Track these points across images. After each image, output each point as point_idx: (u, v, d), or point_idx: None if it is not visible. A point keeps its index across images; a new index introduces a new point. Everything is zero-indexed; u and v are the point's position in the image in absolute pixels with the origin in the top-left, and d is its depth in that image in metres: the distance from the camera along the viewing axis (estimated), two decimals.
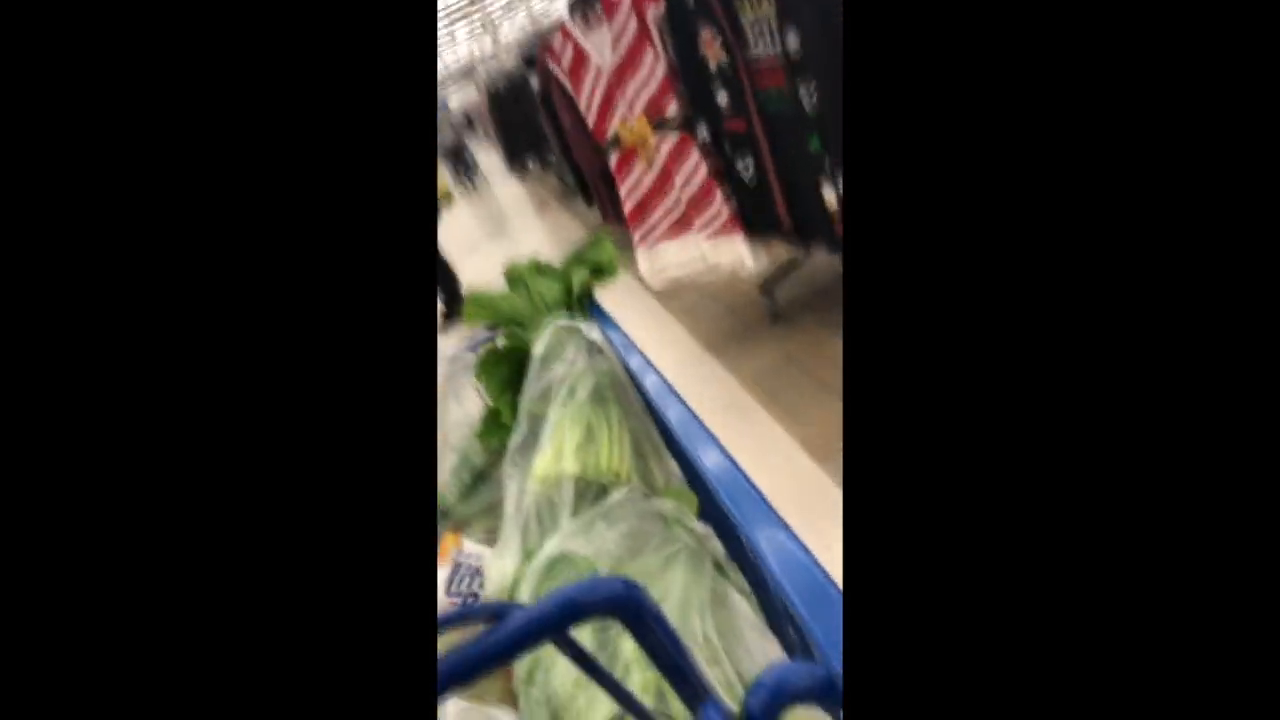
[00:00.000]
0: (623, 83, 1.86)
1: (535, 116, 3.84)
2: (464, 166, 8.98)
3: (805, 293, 2.27)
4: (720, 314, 2.39)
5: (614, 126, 1.99)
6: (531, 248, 1.00)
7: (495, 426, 0.88)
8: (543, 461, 0.77)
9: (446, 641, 0.18)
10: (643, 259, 2.13)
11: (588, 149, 2.87)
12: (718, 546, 0.70)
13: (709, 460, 0.38)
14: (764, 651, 0.60)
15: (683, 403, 0.48)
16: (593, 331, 0.86)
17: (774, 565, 0.28)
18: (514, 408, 0.88)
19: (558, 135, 3.34)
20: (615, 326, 0.79)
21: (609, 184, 2.79)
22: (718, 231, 1.86)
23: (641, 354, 0.64)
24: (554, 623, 0.18)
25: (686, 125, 1.78)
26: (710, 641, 0.59)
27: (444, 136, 8.80)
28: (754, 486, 0.34)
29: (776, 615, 0.61)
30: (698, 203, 1.85)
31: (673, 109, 1.78)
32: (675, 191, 1.92)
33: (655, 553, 0.66)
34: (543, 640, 0.18)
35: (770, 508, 0.32)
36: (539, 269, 0.98)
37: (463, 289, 3.02)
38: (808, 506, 1.34)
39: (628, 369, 0.72)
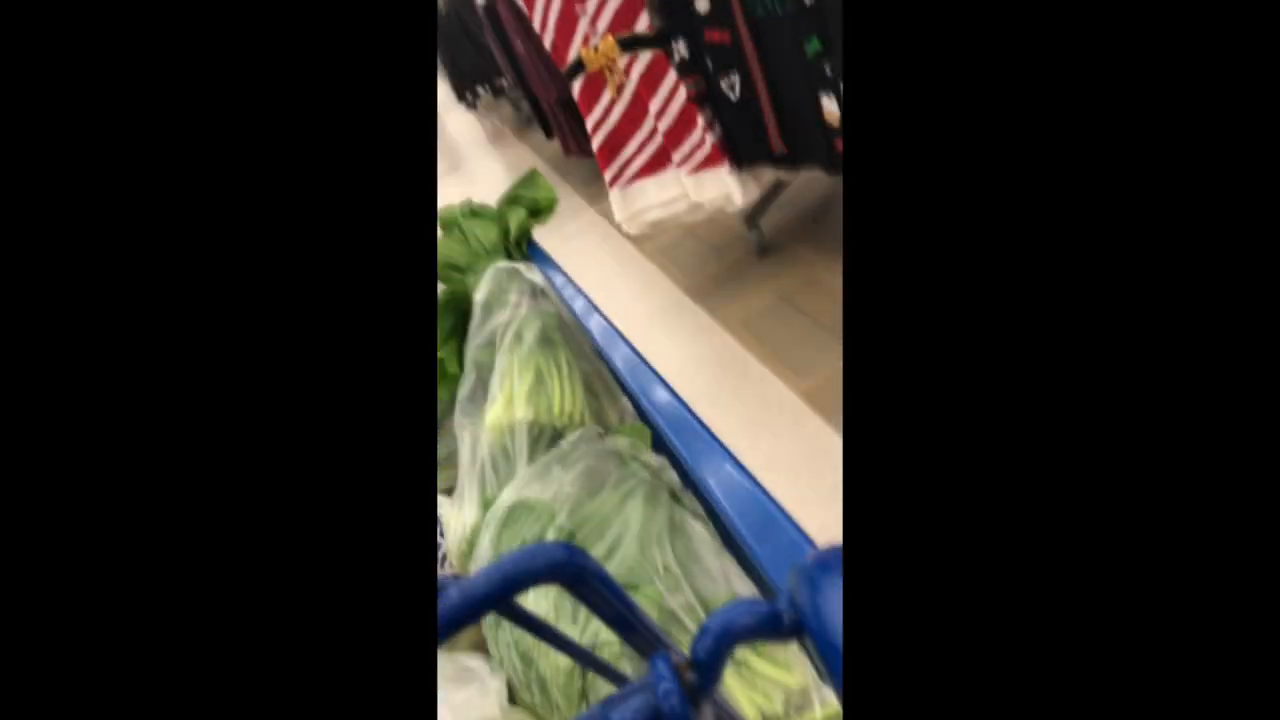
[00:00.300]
0: None
1: (480, 38, 3.50)
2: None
3: (793, 219, 2.03)
4: (702, 252, 2.13)
5: (575, 48, 1.66)
6: (489, 185, 0.92)
7: (442, 377, 0.87)
8: (494, 410, 0.77)
9: None
10: (616, 201, 1.81)
11: (544, 74, 2.62)
12: (673, 476, 0.72)
13: (658, 398, 0.38)
14: (724, 573, 0.62)
15: (628, 344, 0.48)
16: (533, 273, 0.84)
17: (721, 498, 0.28)
18: (460, 356, 0.86)
19: (508, 59, 3.03)
20: (555, 267, 0.77)
21: (570, 113, 2.55)
22: (701, 164, 1.59)
23: (585, 295, 0.63)
24: (495, 595, 0.18)
25: (660, 42, 1.50)
26: (670, 570, 0.61)
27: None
28: (700, 421, 0.35)
29: (732, 539, 0.64)
30: (676, 132, 1.57)
31: (643, 23, 1.49)
32: (650, 121, 1.62)
33: (612, 490, 0.67)
34: (485, 612, 0.18)
35: (714, 438, 0.33)
36: (474, 211, 0.94)
37: None
38: (817, 473, 1.23)
39: (573, 312, 0.71)
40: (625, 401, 0.88)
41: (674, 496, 0.69)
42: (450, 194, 0.99)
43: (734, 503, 0.27)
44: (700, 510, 0.69)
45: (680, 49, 1.49)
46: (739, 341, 1.71)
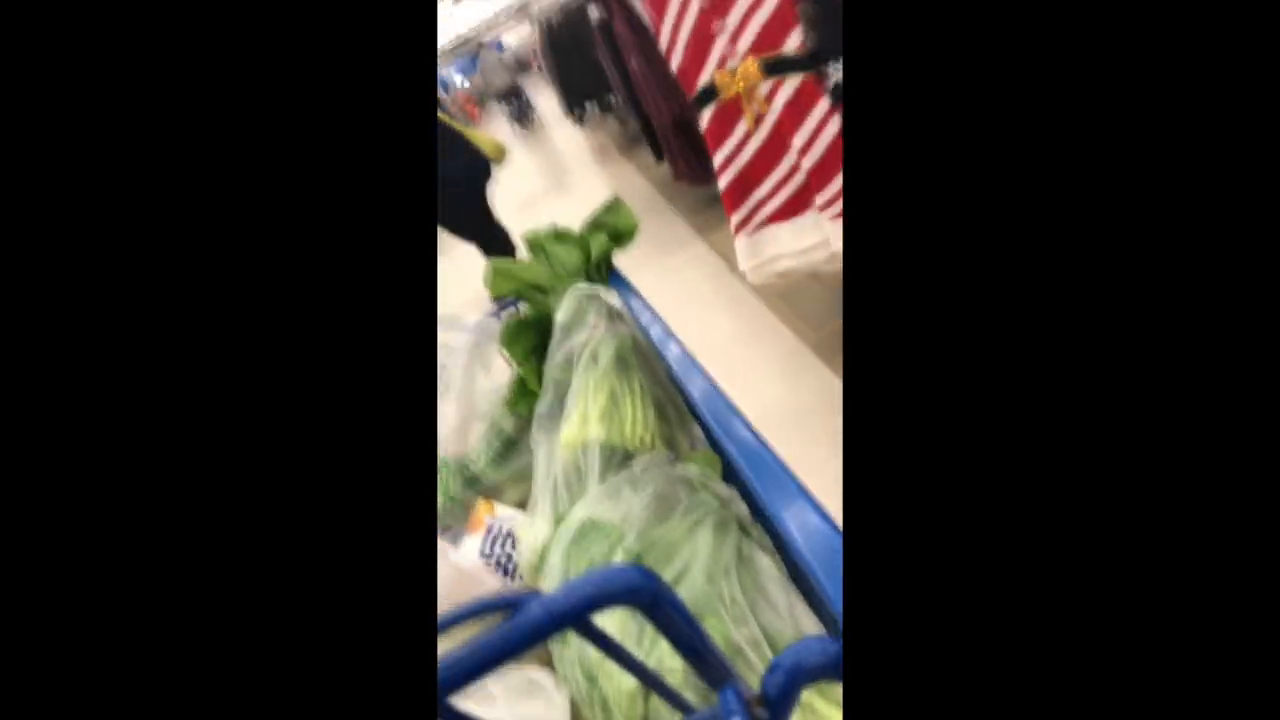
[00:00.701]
0: (723, 9, 1.28)
1: (592, 53, 3.47)
2: (519, 111, 8.79)
3: None
4: (830, 302, 1.82)
5: (708, 71, 1.38)
6: (593, 202, 0.87)
7: (523, 393, 0.90)
8: (569, 428, 0.79)
9: (462, 636, 0.19)
10: (743, 250, 1.54)
11: (658, 94, 2.52)
12: (742, 508, 0.71)
13: (733, 432, 0.39)
14: (789, 608, 0.61)
15: (704, 375, 0.48)
16: (612, 298, 0.86)
17: (796, 536, 0.28)
18: (539, 375, 0.89)
19: (621, 76, 2.91)
20: (634, 293, 0.79)
21: (685, 136, 2.49)
22: None
23: (662, 321, 0.64)
24: (572, 615, 0.19)
25: (813, 64, 1.23)
26: (736, 603, 0.60)
27: (499, 79, 8.60)
28: (775, 456, 0.35)
29: (801, 575, 0.62)
30: (824, 170, 1.29)
31: (794, 42, 1.21)
32: (791, 157, 1.36)
33: (681, 518, 0.67)
34: (564, 628, 0.19)
35: (791, 476, 0.32)
36: (558, 236, 0.98)
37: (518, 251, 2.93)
38: None
39: (649, 338, 0.72)
40: (696, 429, 0.88)
41: (742, 528, 0.69)
42: (555, 210, 1.02)
43: (807, 539, 0.27)
44: (768, 544, 0.68)
45: (836, 73, 1.23)
46: None
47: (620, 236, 0.91)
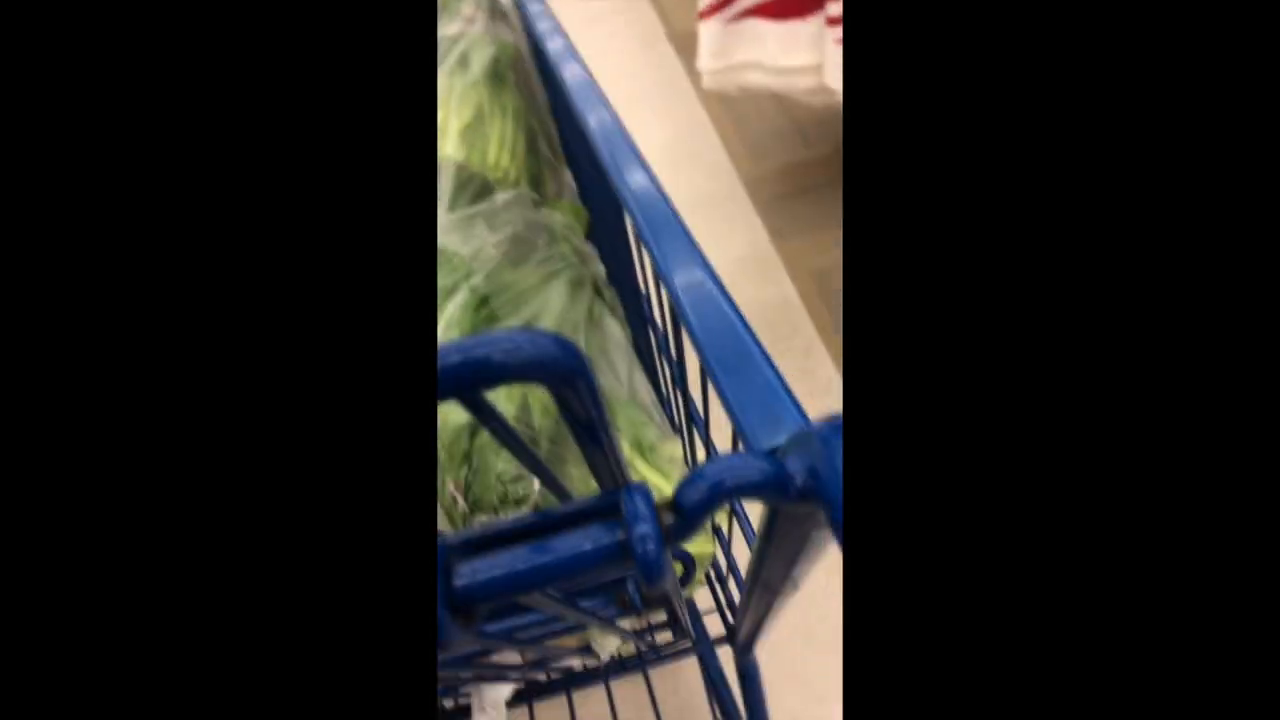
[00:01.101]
0: None
1: None
2: None
3: None
4: (789, 139, 1.42)
5: None
6: None
7: None
8: None
9: None
10: (709, 41, 1.11)
11: None
12: (600, 269, 0.68)
13: (632, 179, 0.33)
14: (629, 379, 0.62)
15: (606, 106, 0.41)
16: None
17: (688, 309, 0.25)
18: None
19: None
20: None
21: None
22: None
23: (565, 36, 0.52)
24: (466, 384, 0.14)
25: None
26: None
27: None
28: (674, 210, 0.30)
29: (654, 347, 0.62)
30: None
31: None
32: None
33: (536, 266, 0.62)
34: (445, 398, 0.14)
35: (688, 234, 0.29)
36: None
37: None
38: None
39: (540, 49, 0.60)
40: (566, 175, 0.80)
41: (597, 289, 0.66)
42: None
43: (702, 320, 0.24)
44: (620, 311, 0.66)
45: None
46: (802, 302, 1.12)
47: None
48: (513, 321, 0.58)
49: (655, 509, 0.15)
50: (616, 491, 0.16)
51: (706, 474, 0.15)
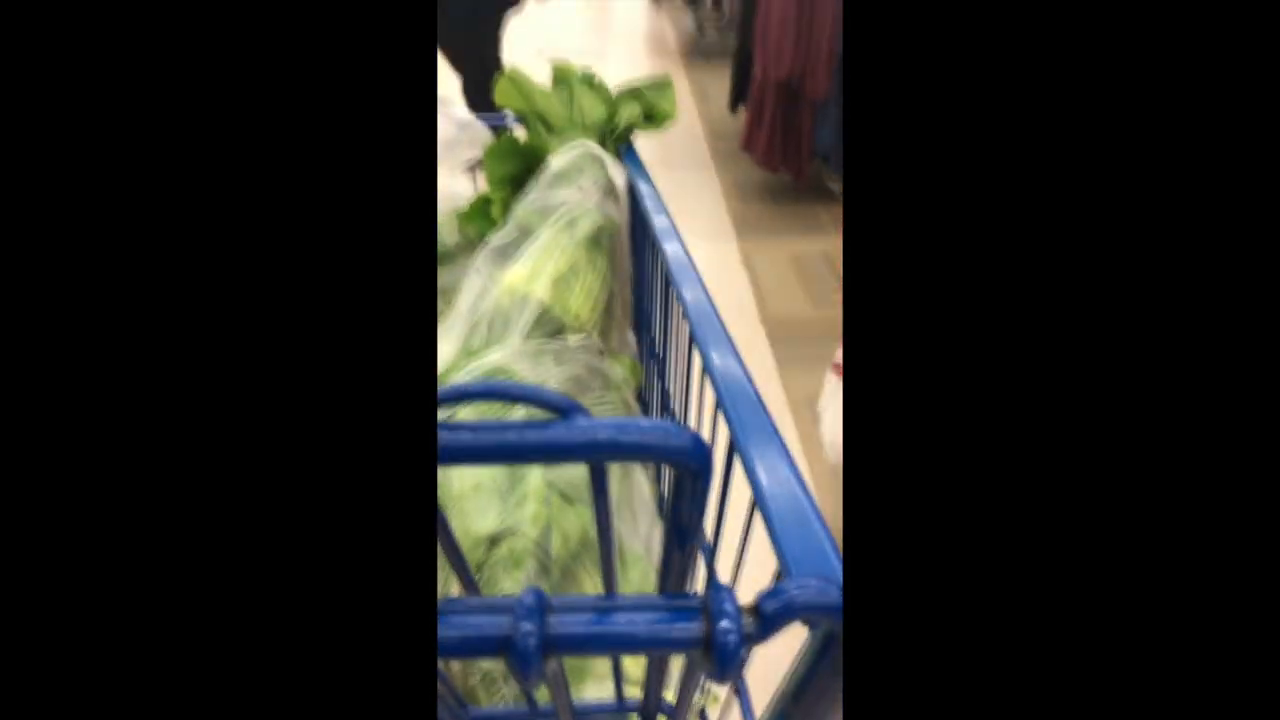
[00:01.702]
0: None
1: None
2: None
3: None
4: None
5: None
6: (623, 74, 0.79)
7: (482, 215, 0.84)
8: (518, 274, 0.74)
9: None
10: (832, 392, 1.27)
11: (788, 36, 1.93)
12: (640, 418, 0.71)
13: (717, 358, 0.37)
14: (647, 536, 0.63)
15: (701, 285, 0.46)
16: (618, 174, 0.81)
17: (763, 480, 0.27)
18: (507, 206, 0.83)
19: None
20: (646, 179, 0.74)
21: (788, 107, 1.96)
22: None
23: (669, 218, 0.61)
24: (613, 451, 0.17)
25: None
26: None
27: None
28: (759, 400, 0.34)
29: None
30: None
31: None
32: None
33: (590, 406, 0.66)
34: (584, 460, 0.17)
35: (768, 417, 0.32)
36: (589, 82, 0.90)
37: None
38: None
39: (649, 228, 0.68)
40: (632, 337, 0.86)
41: None
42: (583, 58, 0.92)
43: (774, 494, 0.27)
44: (652, 468, 0.69)
45: None
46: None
47: (654, 117, 0.85)
48: None
49: (740, 610, 0.17)
50: (689, 595, 0.18)
51: (787, 588, 0.17)
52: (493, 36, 2.04)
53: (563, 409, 0.18)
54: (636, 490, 0.65)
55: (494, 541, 0.53)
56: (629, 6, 5.54)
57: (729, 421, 0.32)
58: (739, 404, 0.33)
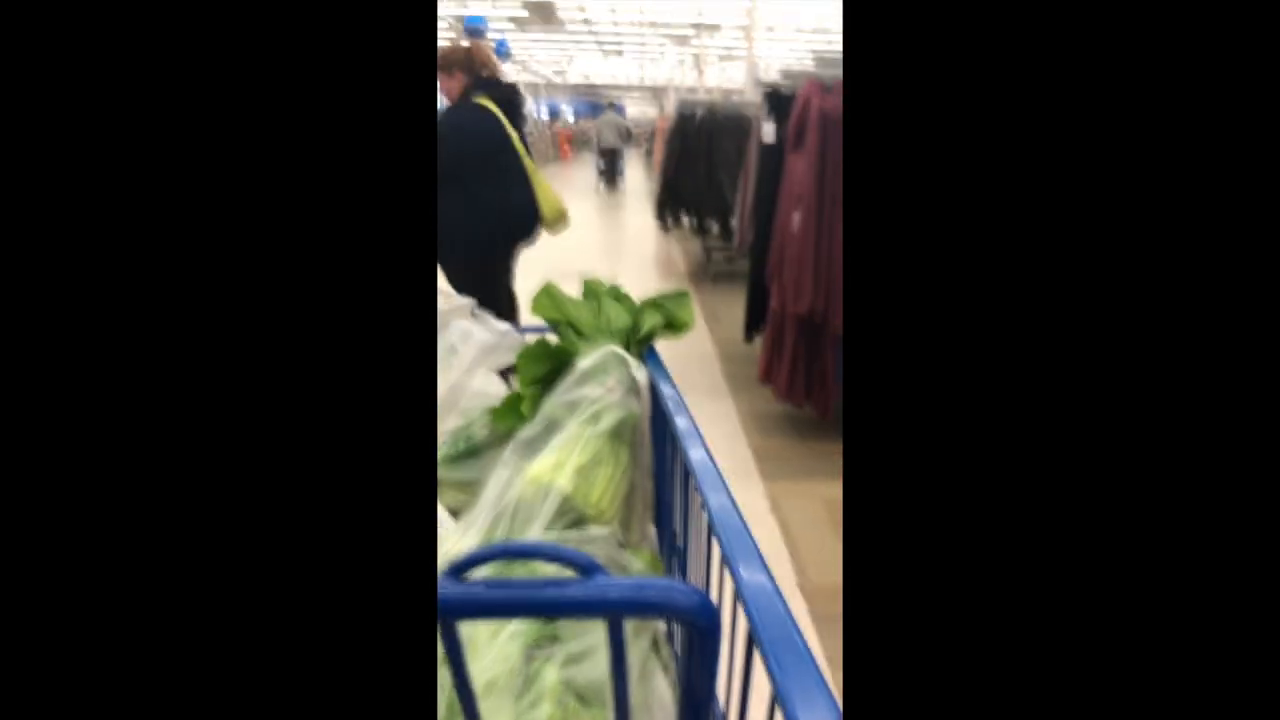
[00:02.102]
0: None
1: (719, 168, 3.23)
2: (610, 172, 9.16)
3: None
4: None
5: None
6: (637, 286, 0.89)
7: (512, 412, 0.89)
8: (542, 466, 0.77)
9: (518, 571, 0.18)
10: None
11: (807, 271, 1.85)
12: (662, 626, 0.69)
13: (747, 574, 0.34)
14: None
15: (726, 491, 0.48)
16: (640, 373, 0.87)
17: (791, 689, 0.25)
18: (536, 404, 0.88)
19: (764, 219, 2.18)
20: (669, 381, 0.80)
21: (809, 343, 1.88)
22: None
23: (690, 418, 0.65)
24: (628, 608, 0.18)
25: None
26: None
27: (608, 137, 8.95)
28: (790, 615, 0.31)
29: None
30: None
31: None
32: None
33: None
34: (601, 616, 0.18)
35: (798, 634, 0.28)
36: (618, 295, 1.00)
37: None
38: None
39: (667, 422, 0.72)
40: (652, 529, 0.87)
41: (655, 644, 0.67)
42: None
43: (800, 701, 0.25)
44: (672, 671, 0.66)
45: None
46: None
47: (674, 326, 0.93)
48: (572, 645, 0.59)
49: None
50: None
51: None
52: (506, 266, 2.16)
53: (583, 567, 0.19)
54: (654, 693, 0.62)
55: (531, 682, 0.51)
56: (639, 234, 6.00)
57: (764, 653, 0.27)
58: (774, 634, 0.28)
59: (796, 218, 1.91)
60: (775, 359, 1.99)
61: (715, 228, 4.15)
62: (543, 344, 0.93)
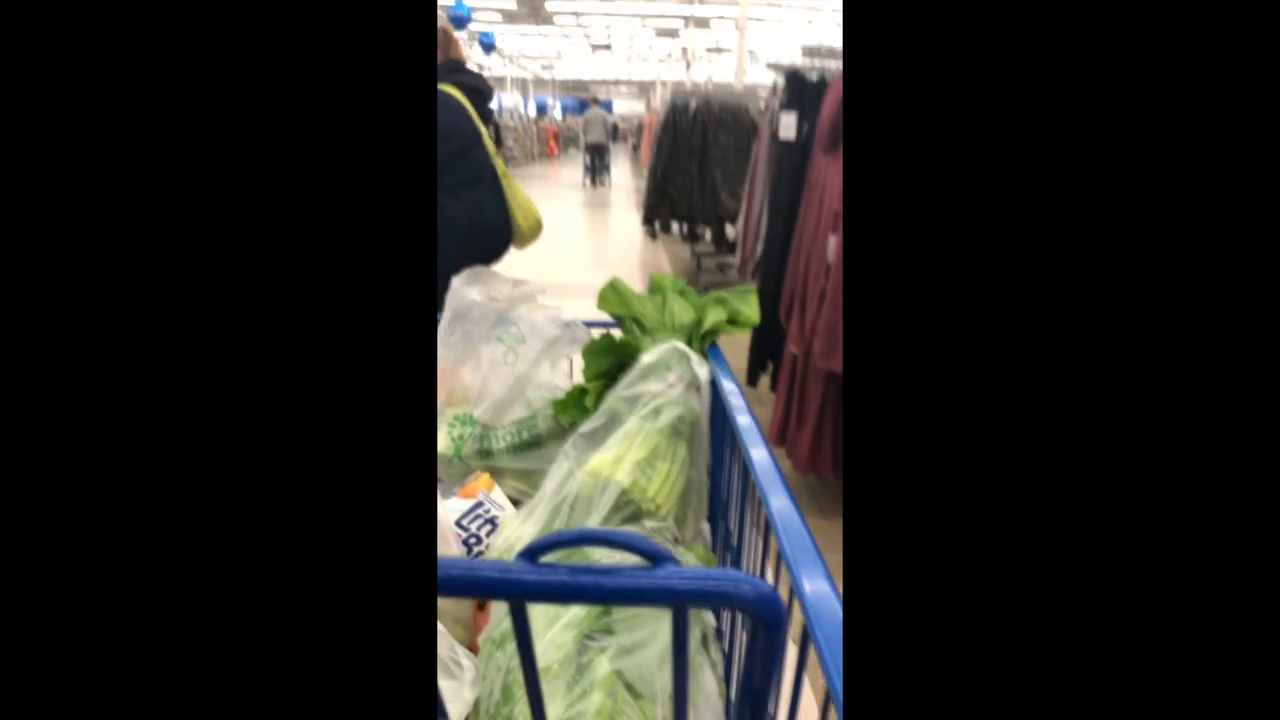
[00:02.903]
0: None
1: (712, 168, 2.97)
2: (595, 169, 9.26)
3: None
4: None
5: None
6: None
7: (575, 405, 0.90)
8: (601, 459, 0.78)
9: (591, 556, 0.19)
10: None
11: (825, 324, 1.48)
12: (711, 619, 0.69)
13: (809, 584, 0.34)
14: None
15: (788, 492, 0.48)
16: (702, 369, 0.87)
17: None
18: (600, 397, 0.89)
19: (774, 232, 1.88)
20: (731, 377, 0.80)
21: (829, 402, 1.54)
22: None
23: (752, 416, 0.64)
24: (693, 598, 0.19)
25: None
26: (669, 697, 0.58)
27: (595, 133, 9.03)
28: (836, 595, 0.32)
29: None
30: None
31: None
32: None
33: None
34: (664, 605, 0.19)
35: (834, 592, 0.29)
36: (681, 290, 1.00)
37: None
38: None
39: (730, 424, 0.72)
40: (705, 526, 0.87)
41: (704, 640, 0.67)
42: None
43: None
44: (719, 667, 0.66)
45: None
46: None
47: (737, 322, 0.93)
48: (625, 639, 0.60)
49: None
50: None
51: None
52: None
53: (653, 555, 0.20)
54: (702, 689, 0.63)
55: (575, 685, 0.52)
56: (626, 237, 5.55)
57: (820, 654, 0.27)
58: (830, 634, 0.27)
59: (833, 243, 1.48)
60: (794, 421, 1.59)
61: (707, 234, 3.50)
62: (607, 339, 0.95)
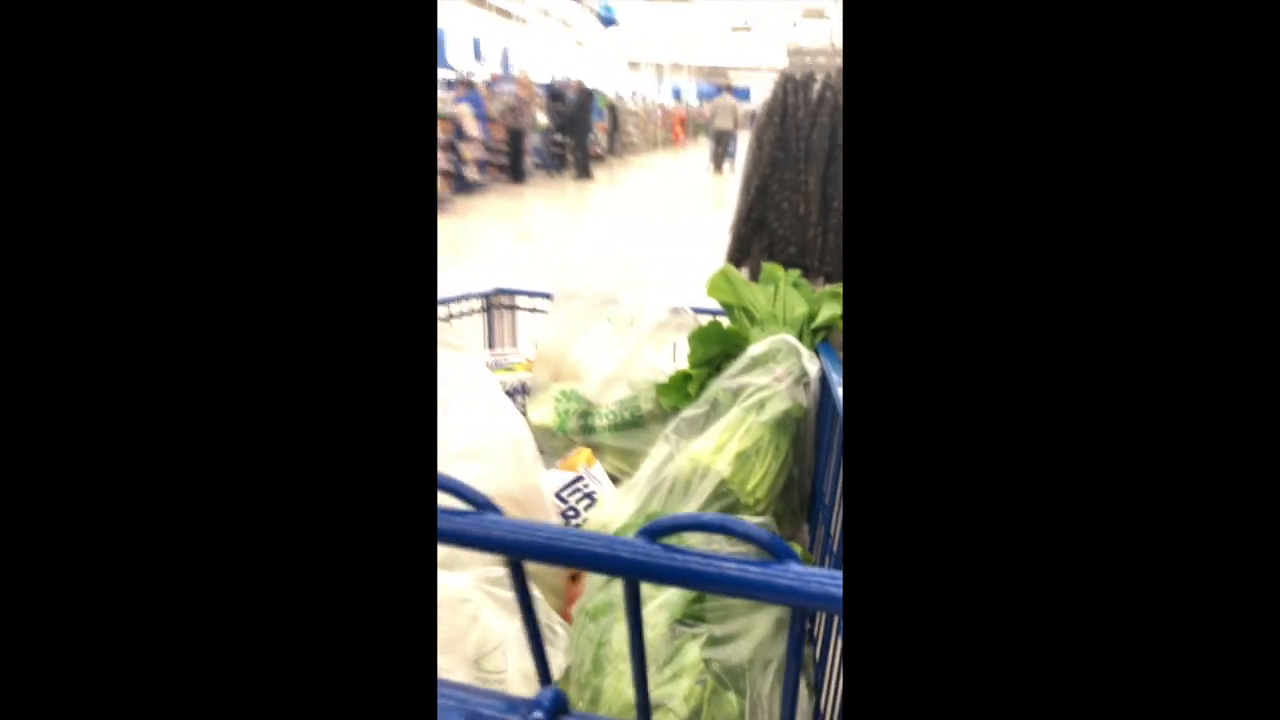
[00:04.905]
0: None
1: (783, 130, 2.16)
2: (719, 155, 9.22)
3: None
4: None
5: None
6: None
7: (679, 390, 0.90)
8: (703, 447, 0.78)
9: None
10: None
11: None
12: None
13: None
14: None
15: None
16: (812, 365, 0.85)
17: None
18: (703, 384, 0.89)
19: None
20: (842, 375, 0.77)
21: None
22: None
23: None
24: (815, 598, 0.18)
25: None
26: (761, 702, 0.57)
27: (723, 120, 9.06)
28: None
29: None
30: None
31: None
32: None
33: None
34: (785, 604, 0.18)
35: None
36: (795, 282, 0.98)
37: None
38: None
39: (838, 415, 0.70)
40: (805, 527, 0.84)
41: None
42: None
43: None
44: (810, 668, 0.64)
45: None
46: None
47: None
48: (716, 629, 0.60)
49: None
50: None
51: None
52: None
53: (778, 552, 0.19)
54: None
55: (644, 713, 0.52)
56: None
57: None
58: None
59: None
60: None
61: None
62: (716, 326, 0.94)
